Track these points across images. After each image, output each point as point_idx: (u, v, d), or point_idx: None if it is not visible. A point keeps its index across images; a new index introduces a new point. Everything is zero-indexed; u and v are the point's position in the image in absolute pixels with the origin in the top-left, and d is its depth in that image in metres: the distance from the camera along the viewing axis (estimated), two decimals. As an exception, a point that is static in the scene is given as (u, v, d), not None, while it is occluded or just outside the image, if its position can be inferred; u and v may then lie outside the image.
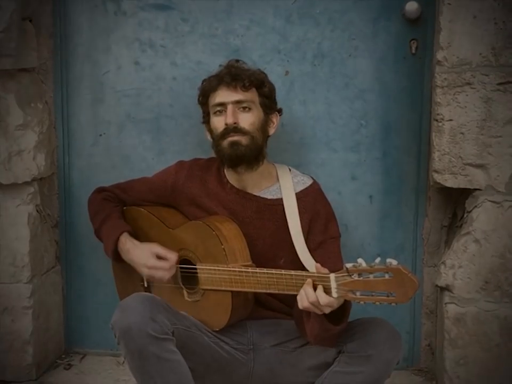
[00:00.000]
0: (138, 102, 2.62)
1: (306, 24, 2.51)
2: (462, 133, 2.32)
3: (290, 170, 2.26)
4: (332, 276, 1.85)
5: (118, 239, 2.20)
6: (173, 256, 2.14)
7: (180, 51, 2.58)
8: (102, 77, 2.62)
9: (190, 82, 2.55)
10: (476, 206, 2.35)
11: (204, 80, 2.23)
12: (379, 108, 2.53)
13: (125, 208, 2.35)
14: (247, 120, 2.14)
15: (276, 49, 2.54)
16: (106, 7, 2.58)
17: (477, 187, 2.34)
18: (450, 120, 2.32)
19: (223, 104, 2.15)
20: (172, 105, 2.61)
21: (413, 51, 2.48)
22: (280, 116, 2.26)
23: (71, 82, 2.63)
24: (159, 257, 2.14)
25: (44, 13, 2.58)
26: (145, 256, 2.15)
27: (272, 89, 2.22)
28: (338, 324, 1.94)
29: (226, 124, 2.13)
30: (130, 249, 2.18)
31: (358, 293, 1.80)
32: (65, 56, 2.62)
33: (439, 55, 2.31)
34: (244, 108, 2.15)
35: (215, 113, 2.18)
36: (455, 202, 2.50)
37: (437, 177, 2.36)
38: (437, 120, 2.34)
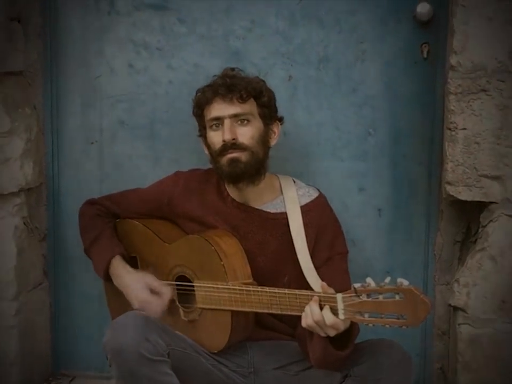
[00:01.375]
0: (132, 108, 2.62)
1: (310, 25, 2.52)
2: (477, 143, 2.31)
3: (294, 182, 2.25)
4: (339, 296, 1.84)
5: (109, 262, 2.20)
6: (167, 292, 2.15)
7: (177, 53, 2.58)
8: (93, 81, 2.62)
9: (187, 86, 2.55)
10: (491, 220, 2.34)
11: (198, 91, 2.21)
12: (388, 115, 2.53)
13: (117, 220, 2.35)
14: (246, 134, 2.13)
15: (278, 52, 2.54)
16: (99, 6, 2.59)
17: (493, 200, 2.33)
18: (464, 129, 2.32)
19: (219, 119, 2.14)
20: (168, 110, 2.61)
21: (425, 55, 2.48)
22: (281, 124, 2.25)
23: (61, 86, 2.64)
24: (153, 291, 2.15)
25: (33, 12, 2.59)
26: (138, 287, 2.15)
27: (271, 97, 2.21)
28: (343, 349, 1.93)
29: (224, 140, 2.12)
30: (123, 276, 2.19)
31: (366, 315, 1.79)
32: (55, 58, 2.62)
33: (452, 60, 2.31)
34: (242, 121, 2.13)
35: (211, 127, 2.17)
36: (469, 216, 2.49)
37: (450, 190, 2.35)
38: (450, 129, 2.34)
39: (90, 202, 2.37)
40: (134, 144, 2.63)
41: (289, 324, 2.18)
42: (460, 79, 2.31)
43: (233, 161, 2.11)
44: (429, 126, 2.50)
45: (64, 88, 2.64)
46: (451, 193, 2.36)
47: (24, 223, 2.55)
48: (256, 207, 2.20)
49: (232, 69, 2.22)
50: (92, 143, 2.65)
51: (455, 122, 2.32)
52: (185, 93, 2.55)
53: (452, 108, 2.32)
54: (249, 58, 2.51)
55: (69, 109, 2.65)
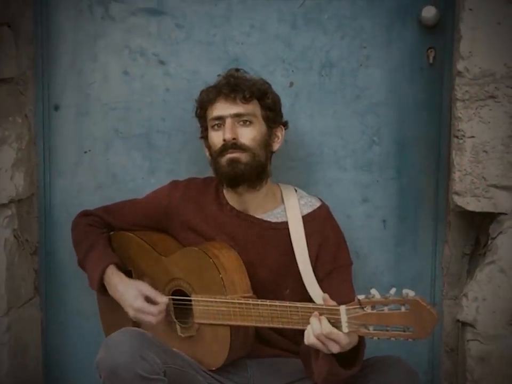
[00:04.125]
0: (128, 116, 2.63)
1: (313, 30, 2.53)
2: (485, 151, 2.32)
3: (296, 191, 2.27)
4: (342, 308, 1.84)
5: (103, 272, 2.21)
6: (163, 301, 2.15)
7: (174, 60, 2.59)
8: (87, 88, 2.63)
9: (184, 94, 2.56)
10: (501, 232, 2.35)
11: (202, 91, 2.25)
12: (393, 123, 2.54)
13: (112, 233, 2.36)
14: (248, 135, 2.15)
15: (279, 58, 2.55)
16: (93, 11, 2.60)
17: (502, 211, 2.34)
18: (472, 137, 2.33)
19: (221, 118, 2.17)
20: (165, 119, 2.62)
21: (431, 61, 2.50)
22: (285, 129, 2.28)
23: (53, 94, 2.64)
24: (148, 300, 2.15)
25: (24, 17, 2.59)
26: (133, 296, 2.16)
27: (276, 100, 2.24)
28: (350, 368, 1.92)
29: (224, 140, 2.14)
30: (117, 285, 2.19)
31: (371, 328, 1.79)
32: (47, 65, 2.63)
33: (460, 66, 2.32)
34: (244, 121, 2.16)
35: (212, 127, 2.20)
36: (478, 227, 2.50)
37: (458, 200, 2.36)
38: (457, 137, 2.35)
39: (84, 214, 2.39)
40: (129, 154, 2.64)
41: (292, 340, 2.18)
42: (467, 86, 2.31)
43: (233, 161, 2.13)
44: (436, 134, 2.52)
45: (57, 96, 2.64)
46: (459, 203, 2.36)
47: (15, 236, 2.54)
48: (257, 216, 2.21)
49: (237, 70, 2.26)
50: (85, 152, 2.65)
51: (462, 130, 2.33)
52: (183, 100, 2.57)
53: (459, 115, 2.33)
54: (249, 64, 2.52)
55: (62, 117, 2.65)
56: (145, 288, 2.17)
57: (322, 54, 2.54)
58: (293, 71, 2.56)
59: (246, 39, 2.56)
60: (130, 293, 2.16)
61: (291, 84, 2.56)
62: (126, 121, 2.63)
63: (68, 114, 2.65)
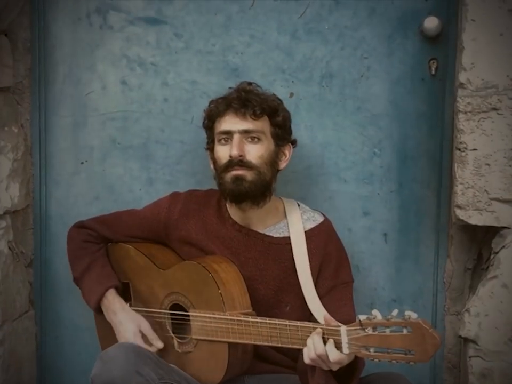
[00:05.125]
0: (125, 126, 2.61)
1: (313, 41, 2.52)
2: (488, 164, 2.31)
3: (299, 205, 2.26)
4: (343, 329, 1.82)
5: (103, 295, 2.20)
6: (158, 345, 2.15)
7: (172, 70, 2.58)
8: (85, 98, 2.62)
9: (183, 104, 2.56)
10: (503, 247, 2.33)
11: (211, 102, 2.22)
12: (394, 135, 2.53)
13: (109, 244, 2.34)
14: (255, 152, 2.13)
15: (279, 68, 2.54)
16: (91, 20, 2.59)
17: (505, 225, 2.32)
18: (475, 149, 2.31)
19: (229, 133, 2.14)
20: (163, 129, 2.60)
21: (433, 72, 2.48)
22: (294, 147, 2.25)
23: (50, 104, 2.63)
24: (144, 338, 2.16)
25: (21, 26, 2.59)
26: (132, 330, 2.16)
27: (286, 118, 2.21)
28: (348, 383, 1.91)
29: (230, 156, 2.11)
30: (117, 313, 2.19)
31: (372, 350, 1.77)
32: (44, 74, 2.62)
33: (462, 77, 2.31)
34: (252, 138, 2.14)
35: (219, 141, 2.17)
36: (480, 242, 2.48)
37: (460, 214, 2.34)
38: (459, 149, 2.33)
39: (80, 226, 2.37)
40: (126, 165, 2.62)
41: (290, 356, 2.16)
42: (470, 97, 2.30)
43: (238, 178, 2.11)
44: (437, 147, 2.50)
45: (54, 105, 2.63)
46: (461, 217, 2.35)
47: (10, 248, 2.53)
48: (259, 231, 2.20)
49: (249, 84, 2.23)
50: (82, 163, 2.64)
51: (464, 143, 2.32)
52: (181, 111, 2.56)
53: (461, 127, 2.31)
54: (248, 74, 2.51)
55: (58, 127, 2.64)
56: (146, 327, 2.17)
57: (323, 65, 2.52)
58: (293, 81, 2.54)
59: (245, 49, 2.54)
60: (130, 327, 2.17)
61: (291, 95, 2.54)
62: (124, 132, 2.62)
63: (64, 124, 2.64)
